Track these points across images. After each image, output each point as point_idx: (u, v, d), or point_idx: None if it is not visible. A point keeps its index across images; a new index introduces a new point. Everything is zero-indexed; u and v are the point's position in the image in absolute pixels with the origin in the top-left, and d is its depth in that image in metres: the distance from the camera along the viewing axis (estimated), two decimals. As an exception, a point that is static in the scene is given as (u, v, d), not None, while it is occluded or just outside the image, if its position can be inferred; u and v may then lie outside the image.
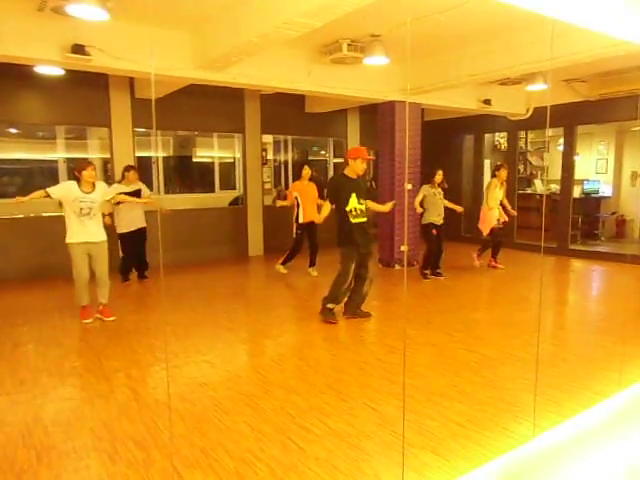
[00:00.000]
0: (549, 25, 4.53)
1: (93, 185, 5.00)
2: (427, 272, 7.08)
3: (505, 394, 3.41)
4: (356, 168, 4.94)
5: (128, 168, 6.88)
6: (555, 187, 9.79)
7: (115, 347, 4.44)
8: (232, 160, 10.56)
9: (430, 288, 6.72)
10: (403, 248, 7.95)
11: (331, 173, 11.62)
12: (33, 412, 3.19)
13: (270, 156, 11.14)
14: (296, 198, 7.13)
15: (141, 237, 6.93)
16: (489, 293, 6.97)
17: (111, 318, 5.17)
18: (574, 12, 3.84)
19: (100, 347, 4.46)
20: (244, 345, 4.66)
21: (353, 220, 4.90)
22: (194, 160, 11.00)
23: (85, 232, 4.96)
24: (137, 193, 6.79)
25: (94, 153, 9.07)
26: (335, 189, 4.99)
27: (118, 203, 6.51)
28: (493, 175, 7.73)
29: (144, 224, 6.94)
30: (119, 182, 6.87)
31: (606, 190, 10.55)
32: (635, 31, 4.36)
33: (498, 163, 8.23)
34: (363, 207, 4.96)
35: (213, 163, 10.75)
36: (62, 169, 8.69)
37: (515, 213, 7.88)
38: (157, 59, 5.48)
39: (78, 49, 4.90)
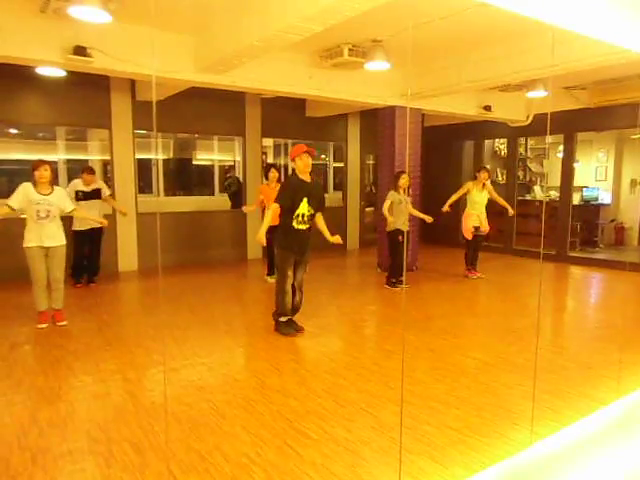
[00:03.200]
0: (550, 32, 4.55)
1: (50, 187, 4.85)
2: (394, 280, 6.81)
3: (503, 401, 3.40)
4: (301, 166, 4.61)
5: (84, 170, 6.72)
6: (554, 194, 9.80)
7: (112, 349, 4.42)
8: (232, 163, 10.58)
9: (429, 294, 6.71)
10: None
11: (331, 177, 11.65)
12: (29, 413, 3.17)
13: (270, 159, 11.17)
14: (262, 202, 6.89)
15: (97, 237, 6.75)
16: (487, 299, 6.97)
17: (63, 323, 5.03)
18: (575, 20, 3.85)
19: (97, 349, 4.45)
20: (242, 348, 4.64)
21: (296, 226, 4.65)
22: (194, 163, 11.02)
23: (43, 236, 4.81)
24: (97, 192, 6.69)
25: (94, 155, 9.09)
26: (292, 190, 4.63)
27: (78, 200, 6.42)
28: (474, 177, 7.57)
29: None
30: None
31: (605, 197, 10.56)
32: (636, 39, 4.37)
33: (481, 166, 8.09)
34: (308, 214, 4.65)
35: (213, 166, 10.77)
36: (62, 170, 8.71)
37: (512, 212, 7.54)
38: (158, 61, 5.49)
39: (80, 51, 4.91)
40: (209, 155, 10.97)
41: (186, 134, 10.08)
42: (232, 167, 10.11)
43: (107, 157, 8.06)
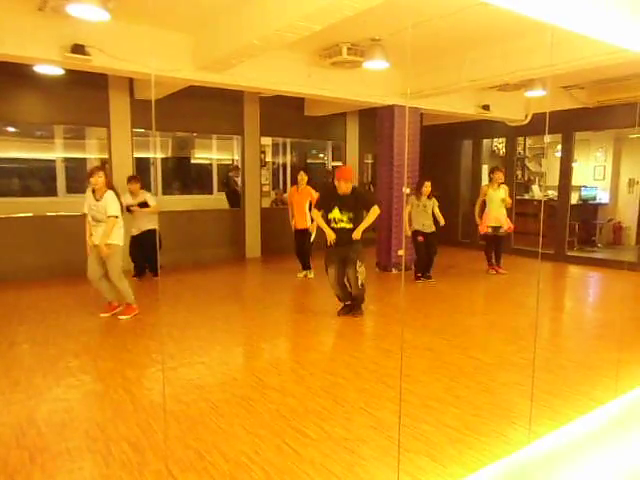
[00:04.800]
0: (549, 32, 4.56)
1: (101, 193, 5.00)
2: (419, 275, 7.27)
3: (501, 400, 3.41)
4: (341, 188, 5.17)
5: (130, 179, 6.85)
6: (553, 193, 9.82)
7: (111, 348, 4.42)
8: (231, 162, 10.57)
9: (427, 292, 6.72)
10: (400, 252, 7.96)
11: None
12: (27, 412, 3.17)
13: (269, 158, 11.16)
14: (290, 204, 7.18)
15: (149, 238, 6.92)
16: (486, 298, 6.98)
17: (125, 317, 5.28)
18: (573, 19, 3.85)
19: (96, 348, 4.44)
20: (240, 347, 4.64)
21: (334, 226, 5.22)
22: (192, 161, 11.00)
23: (94, 236, 5.07)
24: (144, 205, 6.86)
25: (92, 153, 9.07)
26: (324, 198, 5.43)
27: (128, 209, 6.63)
28: (489, 179, 7.88)
29: (154, 226, 6.96)
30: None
31: (603, 197, 10.59)
32: (634, 39, 4.37)
33: (494, 167, 8.32)
34: (345, 217, 5.17)
35: (211, 165, 10.76)
36: (60, 169, 8.69)
37: (510, 227, 7.90)
38: (157, 60, 5.48)
39: (78, 49, 4.90)
40: (208, 154, 10.95)
41: (185, 133, 10.06)
42: (237, 167, 10.02)
43: (105, 156, 8.04)
